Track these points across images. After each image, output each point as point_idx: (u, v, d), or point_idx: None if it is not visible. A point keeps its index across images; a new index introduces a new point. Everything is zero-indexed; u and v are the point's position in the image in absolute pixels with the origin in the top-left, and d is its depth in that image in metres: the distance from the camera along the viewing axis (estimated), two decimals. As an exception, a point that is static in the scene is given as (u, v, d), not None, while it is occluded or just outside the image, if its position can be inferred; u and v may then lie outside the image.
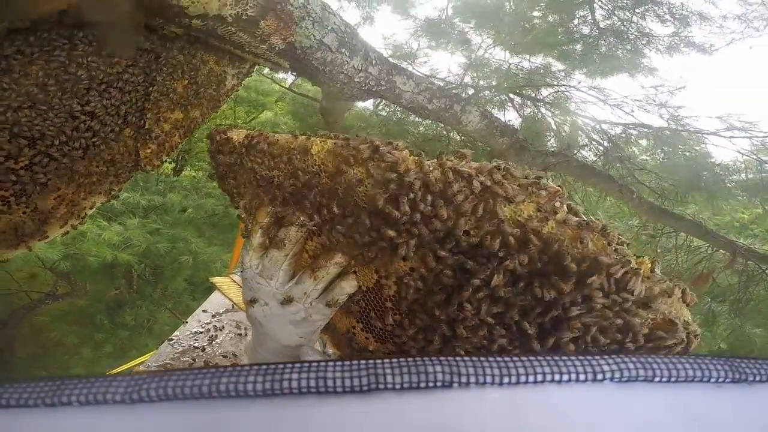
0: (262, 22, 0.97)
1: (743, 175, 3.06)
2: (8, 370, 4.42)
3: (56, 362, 4.50)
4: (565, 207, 0.46)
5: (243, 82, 1.21)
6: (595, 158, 3.04)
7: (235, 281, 2.07)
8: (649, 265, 0.45)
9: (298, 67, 1.21)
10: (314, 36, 1.12)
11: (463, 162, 0.48)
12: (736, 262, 3.17)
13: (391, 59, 2.27)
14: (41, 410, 0.28)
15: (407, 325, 0.59)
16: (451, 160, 0.48)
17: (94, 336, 4.34)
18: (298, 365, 0.29)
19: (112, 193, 0.98)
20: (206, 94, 1.05)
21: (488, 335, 0.50)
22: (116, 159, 0.95)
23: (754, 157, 2.86)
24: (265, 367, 0.29)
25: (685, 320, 0.46)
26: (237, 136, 0.64)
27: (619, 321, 0.45)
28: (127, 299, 4.63)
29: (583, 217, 0.45)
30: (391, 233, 0.51)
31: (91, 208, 0.95)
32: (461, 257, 0.49)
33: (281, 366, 0.29)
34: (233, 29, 0.95)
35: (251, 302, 0.65)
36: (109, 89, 0.90)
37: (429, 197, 0.48)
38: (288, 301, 0.63)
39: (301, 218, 0.62)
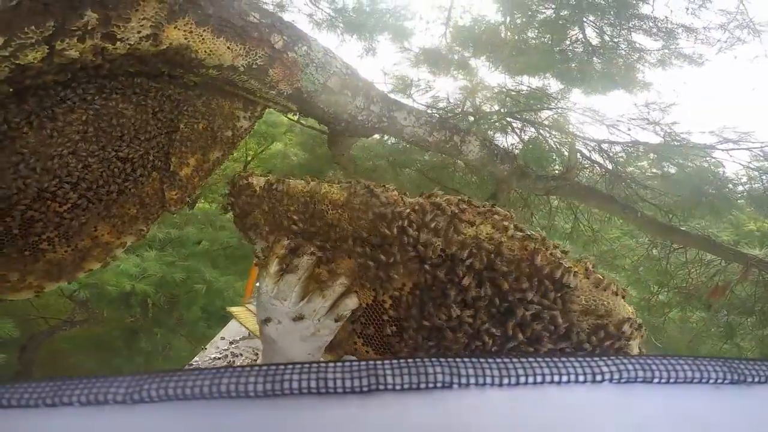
0: (270, 70, 1.08)
1: (748, 186, 3.07)
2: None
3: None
4: (512, 226, 0.61)
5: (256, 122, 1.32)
6: (598, 179, 3.08)
7: (250, 310, 2.15)
8: (585, 266, 0.58)
9: (305, 109, 1.31)
10: (318, 80, 1.23)
11: (437, 198, 0.65)
12: (751, 274, 3.14)
13: (392, 93, 2.38)
14: (42, 410, 0.28)
15: (402, 334, 0.70)
16: (429, 197, 0.65)
17: (111, 362, 4.41)
18: (298, 366, 0.30)
19: (141, 232, 1.07)
20: (223, 137, 1.16)
21: (467, 334, 0.62)
22: (145, 201, 1.05)
23: (752, 166, 2.87)
24: (265, 368, 0.29)
25: (622, 310, 0.56)
26: (257, 182, 0.78)
27: (559, 319, 0.56)
28: (143, 327, 4.71)
29: (527, 232, 0.60)
30: (382, 257, 0.66)
31: (123, 247, 1.04)
32: (440, 269, 0.63)
33: (282, 367, 0.30)
34: (245, 77, 1.05)
35: (266, 321, 0.75)
36: (138, 135, 1.01)
37: (414, 224, 0.63)
38: (299, 318, 0.73)
39: (311, 249, 0.74)
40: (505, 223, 0.61)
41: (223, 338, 2.01)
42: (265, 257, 0.78)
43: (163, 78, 1.03)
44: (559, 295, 0.56)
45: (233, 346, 1.94)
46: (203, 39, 0.94)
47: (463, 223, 0.61)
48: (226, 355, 1.87)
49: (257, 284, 0.79)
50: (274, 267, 0.74)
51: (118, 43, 0.84)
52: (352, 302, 0.74)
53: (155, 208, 1.08)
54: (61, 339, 4.85)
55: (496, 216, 0.62)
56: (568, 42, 3.18)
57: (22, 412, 0.29)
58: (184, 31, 0.91)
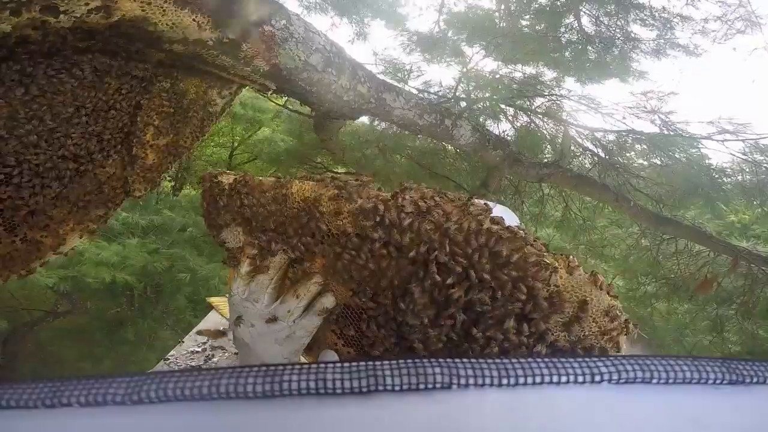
0: (244, 45, 0.98)
1: (740, 178, 3.06)
2: (9, 386, 4.40)
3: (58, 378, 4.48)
4: (488, 219, 0.57)
5: (234, 101, 1.23)
6: (590, 167, 3.04)
7: (231, 300, 2.07)
8: (566, 261, 0.55)
9: (285, 88, 1.22)
10: (299, 57, 1.14)
11: (411, 191, 0.61)
12: (739, 266, 3.15)
13: (382, 75, 2.29)
14: (41, 411, 0.28)
15: (380, 333, 0.67)
16: (404, 190, 0.61)
17: (94, 352, 4.35)
18: (297, 367, 0.30)
19: (101, 219, 0.99)
20: (193, 118, 1.06)
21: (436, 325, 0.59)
22: (104, 186, 0.96)
23: (748, 158, 2.85)
24: (264, 368, 0.30)
25: (609, 305, 0.54)
26: (226, 179, 0.74)
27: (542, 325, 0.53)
28: (128, 317, 4.63)
29: (503, 224, 0.57)
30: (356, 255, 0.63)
31: (81, 235, 0.95)
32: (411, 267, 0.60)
33: (281, 367, 0.29)
34: (215, 53, 0.96)
35: (237, 323, 0.71)
36: (93, 115, 0.92)
37: (386, 219, 0.59)
38: (273, 320, 0.69)
39: (283, 248, 0.70)
40: (480, 217, 0.57)
41: (199, 332, 1.93)
42: (236, 258, 0.75)
43: (121, 54, 0.93)
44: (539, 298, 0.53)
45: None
46: (164, 11, 0.84)
47: (437, 216, 0.58)
48: (205, 349, 1.79)
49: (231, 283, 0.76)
50: (244, 268, 0.71)
51: (62, 16, 0.74)
52: (328, 301, 0.70)
53: (117, 192, 0.99)
54: (44, 331, 4.78)
55: (471, 208, 0.58)
56: (563, 29, 3.12)
57: (21, 413, 0.28)
58: (141, 2, 0.81)
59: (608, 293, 0.55)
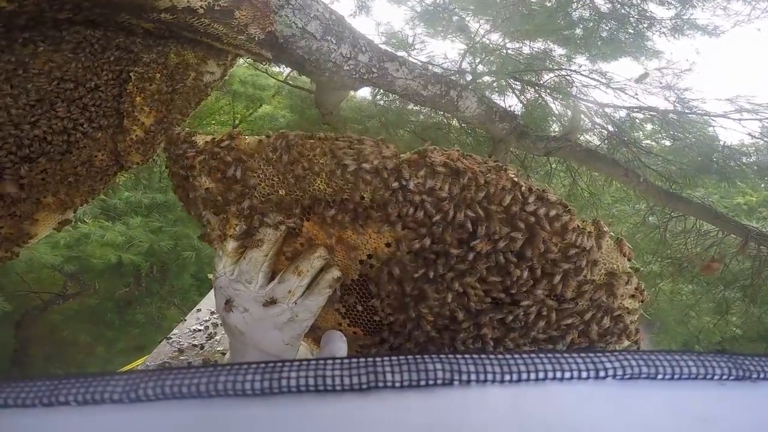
0: (236, 12, 0.93)
1: (754, 158, 2.98)
2: (24, 370, 4.51)
3: (71, 361, 4.59)
4: (522, 183, 0.55)
5: (232, 78, 1.18)
6: (599, 143, 2.98)
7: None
8: (598, 226, 0.56)
9: (282, 58, 1.17)
10: (296, 24, 1.08)
11: (437, 151, 0.56)
12: (749, 247, 3.09)
13: (385, 46, 2.21)
14: (38, 410, 0.28)
15: (387, 307, 0.62)
16: (429, 149, 0.57)
17: (105, 334, 4.40)
18: (296, 363, 0.29)
19: (93, 192, 0.96)
20: (185, 90, 1.01)
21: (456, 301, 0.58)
22: (95, 159, 0.92)
23: (765, 140, 2.77)
24: (263, 365, 0.29)
25: (623, 269, 0.56)
26: (202, 140, 0.64)
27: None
28: (136, 297, 4.67)
29: (538, 188, 0.55)
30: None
31: (74, 211, 0.92)
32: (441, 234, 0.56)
33: (279, 364, 0.29)
34: (207, 21, 0.90)
35: (228, 309, 0.62)
36: (78, 88, 0.87)
37: (417, 178, 0.55)
38: (271, 302, 0.61)
39: (279, 218, 0.61)
40: (516, 179, 0.54)
41: (199, 309, 1.92)
42: (220, 232, 0.64)
43: (105, 25, 0.88)
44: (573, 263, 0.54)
45: (215, 316, 1.86)
46: (149, -22, 0.79)
47: (469, 177, 0.54)
48: (207, 327, 1.79)
49: (215, 262, 0.66)
50: (231, 243, 0.62)
51: (40, -14, 0.69)
52: (333, 276, 0.62)
53: (109, 164, 0.95)
54: (55, 314, 4.82)
55: (502, 172, 0.55)
56: (574, 5, 2.99)
57: (19, 412, 0.28)
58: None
59: (629, 260, 0.57)
